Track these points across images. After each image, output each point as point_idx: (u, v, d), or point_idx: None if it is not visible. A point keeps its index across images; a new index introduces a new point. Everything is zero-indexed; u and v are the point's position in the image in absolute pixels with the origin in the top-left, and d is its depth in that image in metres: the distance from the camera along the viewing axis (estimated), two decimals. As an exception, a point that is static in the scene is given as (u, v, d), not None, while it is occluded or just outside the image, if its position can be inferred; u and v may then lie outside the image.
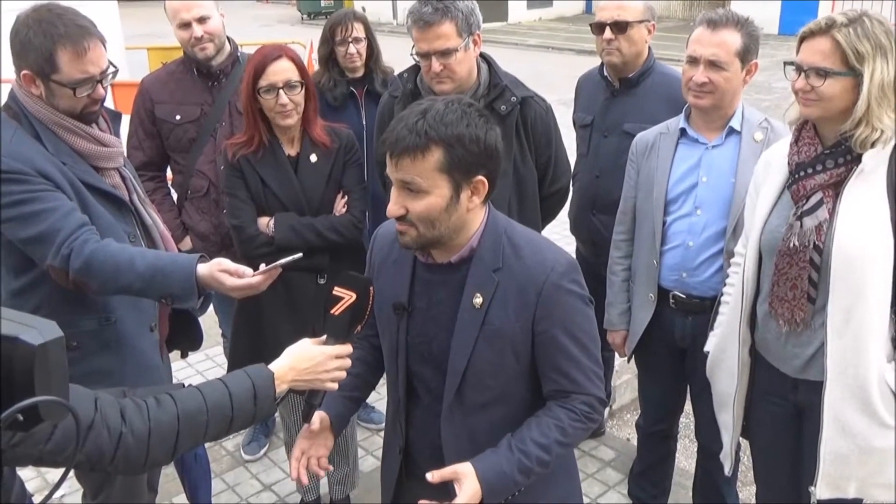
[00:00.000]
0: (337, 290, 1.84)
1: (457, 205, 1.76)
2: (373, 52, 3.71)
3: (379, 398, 3.83)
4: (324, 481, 3.43)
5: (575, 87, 3.55)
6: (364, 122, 3.68)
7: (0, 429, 1.01)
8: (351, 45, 3.63)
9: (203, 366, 4.73)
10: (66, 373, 1.10)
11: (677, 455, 3.38)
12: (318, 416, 2.00)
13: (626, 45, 3.12)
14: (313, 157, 2.88)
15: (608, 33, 3.11)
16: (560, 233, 4.47)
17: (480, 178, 1.78)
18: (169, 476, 3.42)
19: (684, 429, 3.75)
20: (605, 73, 3.30)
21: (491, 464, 1.81)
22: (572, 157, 3.31)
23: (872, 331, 2.13)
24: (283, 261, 2.18)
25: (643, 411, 3.26)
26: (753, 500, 2.78)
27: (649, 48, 3.23)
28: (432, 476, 1.79)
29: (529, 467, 1.83)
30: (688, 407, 3.12)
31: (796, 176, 2.20)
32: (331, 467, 2.05)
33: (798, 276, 2.19)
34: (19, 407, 1.02)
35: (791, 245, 2.18)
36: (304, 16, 24.61)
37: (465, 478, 1.78)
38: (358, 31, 3.65)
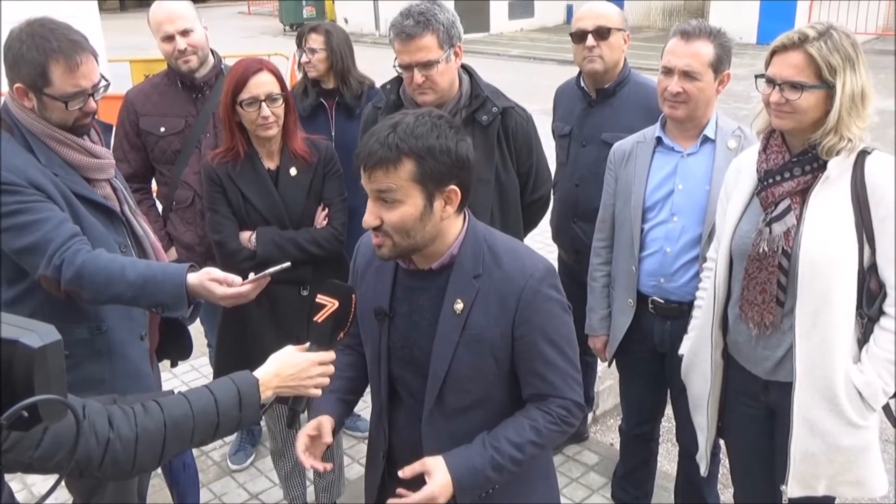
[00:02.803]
0: (320, 298, 1.87)
1: (430, 214, 1.81)
2: (334, 65, 3.74)
3: (365, 406, 3.86)
4: (310, 489, 3.46)
5: (553, 96, 3.61)
6: (333, 134, 3.72)
7: (2, 427, 1.04)
8: (305, 54, 3.75)
9: (188, 376, 4.74)
10: (64, 375, 1.14)
11: (659, 458, 3.43)
12: (329, 423, 2.01)
13: (608, 51, 3.19)
14: (293, 171, 2.91)
15: (590, 41, 3.17)
16: (542, 241, 4.53)
17: (453, 187, 1.82)
18: (157, 486, 3.44)
19: (666, 433, 3.81)
20: (582, 84, 3.37)
21: (463, 458, 1.86)
22: (553, 166, 3.37)
23: (839, 333, 2.19)
24: (271, 270, 2.22)
25: (625, 415, 3.30)
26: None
27: (624, 58, 3.31)
28: (404, 472, 1.83)
29: (502, 464, 1.87)
30: (669, 411, 3.18)
31: (765, 183, 2.27)
32: (329, 465, 2.06)
33: (767, 281, 2.26)
34: (23, 405, 1.05)
35: (760, 250, 2.25)
36: (287, 27, 24.58)
37: (435, 470, 1.83)
38: (313, 42, 3.73)
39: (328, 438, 2.00)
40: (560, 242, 3.60)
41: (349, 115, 3.70)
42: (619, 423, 3.67)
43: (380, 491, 2.14)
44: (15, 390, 1.08)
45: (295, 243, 2.88)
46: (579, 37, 3.22)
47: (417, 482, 1.87)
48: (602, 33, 3.17)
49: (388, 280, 1.98)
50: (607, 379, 4.34)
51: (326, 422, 2.02)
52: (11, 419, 1.06)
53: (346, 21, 22.66)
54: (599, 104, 3.31)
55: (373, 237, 1.86)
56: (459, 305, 1.88)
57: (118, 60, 8.92)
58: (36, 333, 1.10)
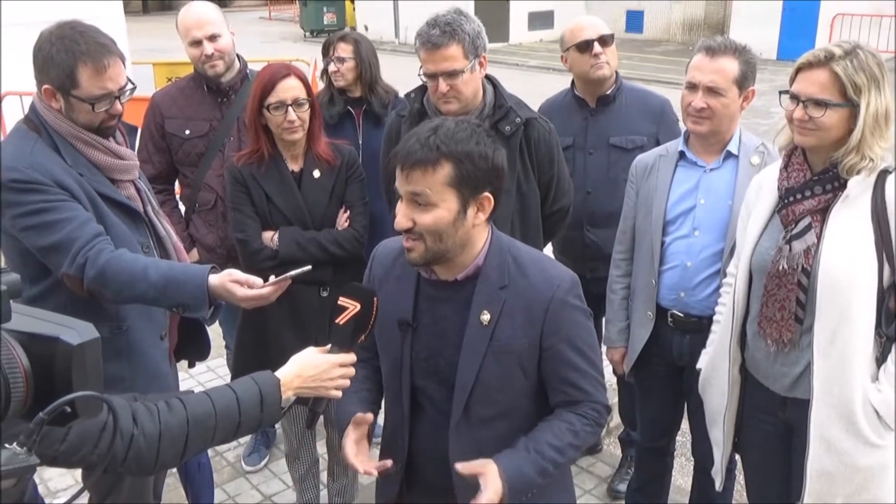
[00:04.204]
0: (342, 301, 1.89)
1: (464, 219, 1.82)
2: (362, 74, 3.75)
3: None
4: (324, 492, 3.47)
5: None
6: (360, 142, 3.73)
7: (44, 422, 1.07)
8: (333, 63, 3.75)
9: (205, 377, 4.77)
10: (101, 372, 1.16)
11: (673, 472, 3.42)
12: (363, 416, 2.00)
13: (612, 57, 3.33)
14: (316, 173, 2.96)
15: (597, 48, 3.29)
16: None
17: (487, 194, 1.84)
18: (171, 485, 3.46)
19: (680, 447, 3.80)
20: (579, 95, 3.45)
21: (512, 462, 1.86)
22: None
23: (857, 351, 2.19)
24: (293, 273, 2.23)
25: (641, 428, 3.29)
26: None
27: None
28: (463, 468, 1.81)
29: (545, 468, 1.88)
30: (684, 425, 3.17)
31: (786, 201, 2.28)
32: (389, 462, 2.03)
33: (786, 298, 2.26)
34: (65, 400, 1.08)
35: (780, 268, 2.25)
36: (307, 33, 24.75)
37: (490, 474, 1.82)
38: (342, 51, 3.74)
39: (370, 418, 2.01)
40: (568, 253, 3.57)
41: (377, 124, 3.71)
42: (620, 433, 3.75)
43: (396, 499, 2.12)
44: (54, 386, 1.11)
45: (317, 243, 2.91)
46: (584, 47, 3.31)
47: (438, 490, 1.88)
48: (605, 40, 3.32)
49: (410, 290, 1.98)
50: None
51: (360, 416, 2.00)
52: (53, 414, 1.08)
53: (366, 28, 22.78)
54: (600, 112, 3.41)
55: (404, 240, 1.86)
56: (486, 317, 1.88)
57: (141, 63, 9.01)
58: (75, 331, 1.13)
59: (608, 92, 3.38)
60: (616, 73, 3.41)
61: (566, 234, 3.49)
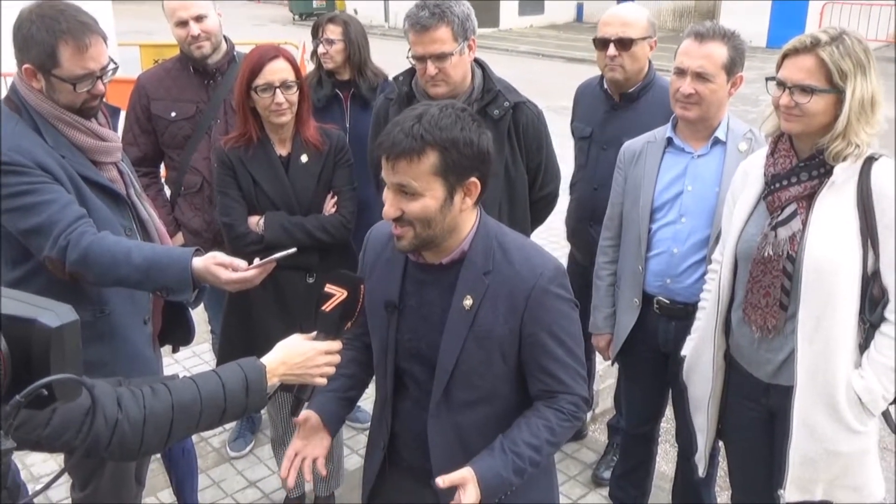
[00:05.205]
0: (329, 288, 1.88)
1: (451, 206, 1.81)
2: (351, 56, 3.72)
3: (365, 397, 3.86)
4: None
5: (574, 95, 3.54)
6: (348, 126, 3.71)
7: (21, 405, 1.05)
8: (321, 45, 3.73)
9: (190, 362, 4.75)
10: (80, 354, 1.15)
11: (657, 459, 3.44)
12: (305, 413, 2.04)
13: (630, 61, 3.12)
14: (304, 158, 2.93)
15: (612, 50, 3.09)
16: (546, 239, 4.53)
17: (473, 179, 1.83)
18: (155, 471, 3.45)
19: (664, 433, 3.82)
20: (605, 87, 3.30)
21: (488, 466, 1.85)
22: (563, 164, 3.34)
23: (841, 338, 2.20)
24: (277, 255, 2.22)
25: (626, 414, 3.30)
26: None
27: (649, 62, 3.23)
28: (443, 482, 1.78)
29: (523, 468, 1.88)
30: (669, 412, 3.18)
31: (772, 187, 2.28)
32: (324, 471, 2.07)
33: (771, 284, 2.27)
34: (42, 383, 1.06)
35: (765, 254, 2.26)
36: (296, 16, 24.66)
37: (469, 482, 1.81)
38: (331, 33, 3.71)
39: (299, 419, 2.03)
40: (577, 244, 3.57)
41: (365, 107, 3.69)
42: (609, 419, 3.76)
43: (378, 478, 2.15)
44: (32, 368, 1.09)
45: (303, 229, 2.90)
46: (602, 44, 3.14)
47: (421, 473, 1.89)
48: (625, 44, 3.08)
49: (398, 273, 1.98)
50: (608, 378, 4.34)
51: (312, 415, 2.04)
52: (30, 397, 1.07)
53: (355, 12, 22.62)
54: (622, 108, 3.24)
55: (393, 228, 1.86)
56: (468, 301, 1.88)
57: (128, 45, 8.92)
58: (54, 313, 1.12)
59: (632, 90, 3.20)
60: (650, 68, 3.22)
61: (576, 226, 3.47)
